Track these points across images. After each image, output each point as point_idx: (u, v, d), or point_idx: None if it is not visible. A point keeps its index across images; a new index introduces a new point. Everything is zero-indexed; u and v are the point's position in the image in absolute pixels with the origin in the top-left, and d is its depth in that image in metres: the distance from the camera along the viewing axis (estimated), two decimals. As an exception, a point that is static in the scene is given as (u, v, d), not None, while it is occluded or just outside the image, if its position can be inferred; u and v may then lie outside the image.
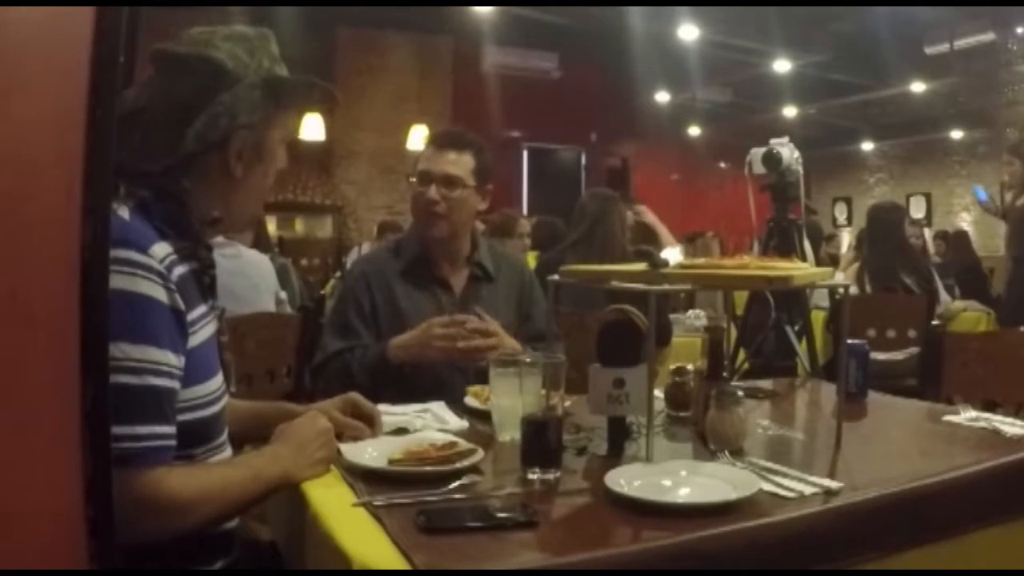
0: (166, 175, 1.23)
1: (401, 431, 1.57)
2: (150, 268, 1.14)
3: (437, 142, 2.16)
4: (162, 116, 1.24)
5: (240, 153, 1.29)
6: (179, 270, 1.20)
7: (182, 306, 1.17)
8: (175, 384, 1.15)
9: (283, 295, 3.18)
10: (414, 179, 2.14)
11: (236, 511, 1.26)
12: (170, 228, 1.22)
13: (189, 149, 1.23)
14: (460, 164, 2.10)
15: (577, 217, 3.58)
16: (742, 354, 3.09)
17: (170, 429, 1.14)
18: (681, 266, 1.59)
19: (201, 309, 1.25)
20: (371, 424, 1.55)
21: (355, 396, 1.59)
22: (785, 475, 1.29)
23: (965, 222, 10.78)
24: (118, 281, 1.09)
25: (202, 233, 1.27)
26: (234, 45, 1.28)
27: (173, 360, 1.15)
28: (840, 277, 3.92)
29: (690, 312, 4.00)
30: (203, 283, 1.27)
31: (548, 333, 1.83)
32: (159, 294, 1.14)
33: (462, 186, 2.09)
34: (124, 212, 1.19)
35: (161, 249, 1.18)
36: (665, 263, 1.52)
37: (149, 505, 1.08)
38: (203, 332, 1.24)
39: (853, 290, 4.07)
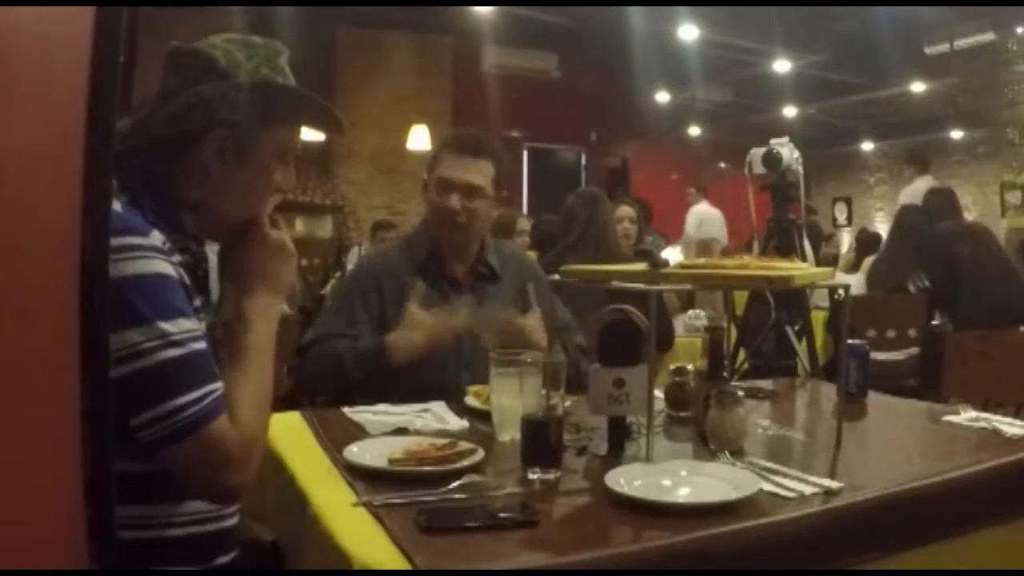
0: (136, 155, 1.21)
1: (401, 431, 1.57)
2: (156, 248, 1.14)
3: (457, 148, 2.10)
4: (147, 103, 1.25)
5: (221, 153, 1.26)
6: (176, 258, 1.20)
7: (188, 281, 1.19)
8: (206, 343, 1.18)
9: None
10: (431, 184, 2.10)
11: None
12: (161, 221, 1.22)
13: (157, 130, 1.22)
14: (482, 173, 2.06)
15: (566, 222, 3.58)
16: (742, 354, 3.09)
17: (219, 382, 1.16)
18: (681, 266, 1.59)
19: (197, 301, 1.24)
20: None
21: None
22: (785, 475, 1.29)
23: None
24: (131, 267, 1.10)
25: (190, 227, 1.27)
26: (234, 47, 1.28)
27: (198, 324, 1.17)
28: (840, 277, 3.92)
29: (690, 312, 3.99)
30: (197, 276, 1.27)
31: (559, 327, 1.83)
32: (170, 270, 1.15)
33: (483, 196, 2.06)
34: (117, 205, 1.19)
35: (158, 236, 1.18)
36: (665, 263, 1.53)
37: (226, 450, 1.11)
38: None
39: (860, 288, 4.09)
